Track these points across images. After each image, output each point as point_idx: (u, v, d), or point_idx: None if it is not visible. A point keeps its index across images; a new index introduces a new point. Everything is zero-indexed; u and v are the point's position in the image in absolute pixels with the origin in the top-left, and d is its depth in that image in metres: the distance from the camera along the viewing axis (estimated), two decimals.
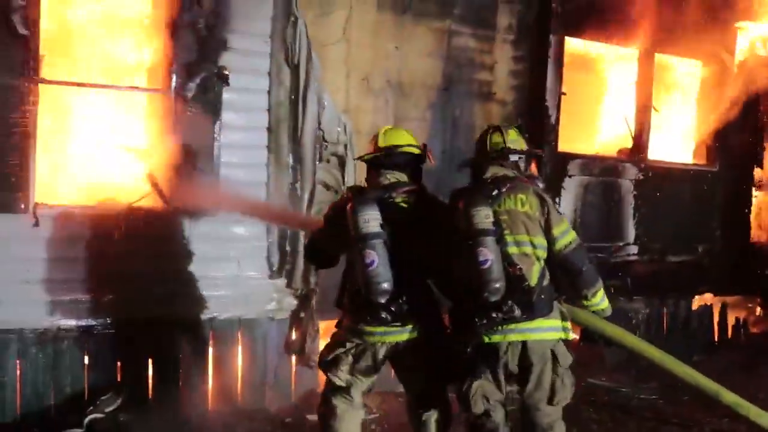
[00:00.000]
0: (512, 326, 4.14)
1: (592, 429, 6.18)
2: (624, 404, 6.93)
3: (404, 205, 4.28)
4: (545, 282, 4.27)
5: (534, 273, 4.22)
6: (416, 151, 4.45)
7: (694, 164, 9.48)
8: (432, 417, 4.40)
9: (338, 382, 4.34)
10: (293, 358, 6.56)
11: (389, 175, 4.37)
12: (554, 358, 4.25)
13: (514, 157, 4.48)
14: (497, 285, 3.98)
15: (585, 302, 4.44)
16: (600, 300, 4.44)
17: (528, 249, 4.23)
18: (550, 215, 4.27)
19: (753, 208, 9.88)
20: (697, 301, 9.34)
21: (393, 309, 4.10)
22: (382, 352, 4.28)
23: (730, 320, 9.60)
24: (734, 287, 9.63)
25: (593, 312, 4.60)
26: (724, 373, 6.99)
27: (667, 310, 8.98)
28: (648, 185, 8.82)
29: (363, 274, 3.98)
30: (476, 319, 4.10)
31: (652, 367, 6.19)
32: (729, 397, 5.67)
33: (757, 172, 9.87)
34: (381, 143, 4.42)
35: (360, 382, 4.37)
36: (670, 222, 9.00)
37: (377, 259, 3.96)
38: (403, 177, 4.38)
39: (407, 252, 4.11)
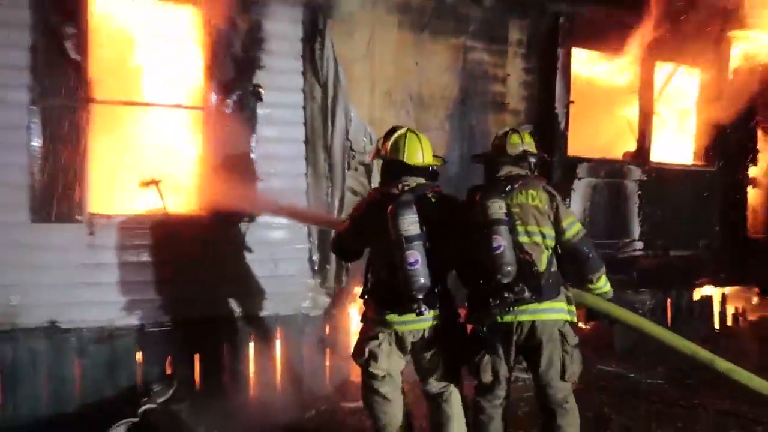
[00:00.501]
0: (523, 307, 4.49)
1: (604, 412, 6.31)
2: (633, 389, 7.08)
3: (434, 200, 4.51)
4: (553, 268, 4.62)
5: (543, 260, 4.57)
6: (439, 163, 4.76)
7: (694, 165, 9.58)
8: (452, 395, 4.64)
9: (379, 373, 4.55)
10: (327, 351, 6.83)
11: (410, 180, 4.59)
12: (562, 337, 4.59)
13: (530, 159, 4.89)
14: (509, 268, 4.30)
15: (590, 286, 4.88)
16: (604, 284, 4.89)
17: (538, 238, 4.59)
18: (559, 209, 4.66)
19: (749, 205, 9.98)
20: (698, 293, 9.50)
21: (427, 302, 4.33)
22: (409, 339, 4.53)
23: (730, 309, 9.81)
24: (733, 279, 9.81)
25: (597, 294, 4.98)
26: (725, 357, 7.17)
27: (671, 301, 9.14)
28: (651, 185, 8.98)
29: (405, 271, 4.19)
30: (490, 300, 4.45)
31: (657, 351, 6.35)
32: (723, 364, 5.82)
33: (752, 171, 9.97)
34: (409, 158, 4.57)
35: (397, 364, 4.62)
36: (673, 219, 9.13)
37: (420, 258, 4.20)
38: (421, 180, 4.63)
39: (438, 249, 4.38)
